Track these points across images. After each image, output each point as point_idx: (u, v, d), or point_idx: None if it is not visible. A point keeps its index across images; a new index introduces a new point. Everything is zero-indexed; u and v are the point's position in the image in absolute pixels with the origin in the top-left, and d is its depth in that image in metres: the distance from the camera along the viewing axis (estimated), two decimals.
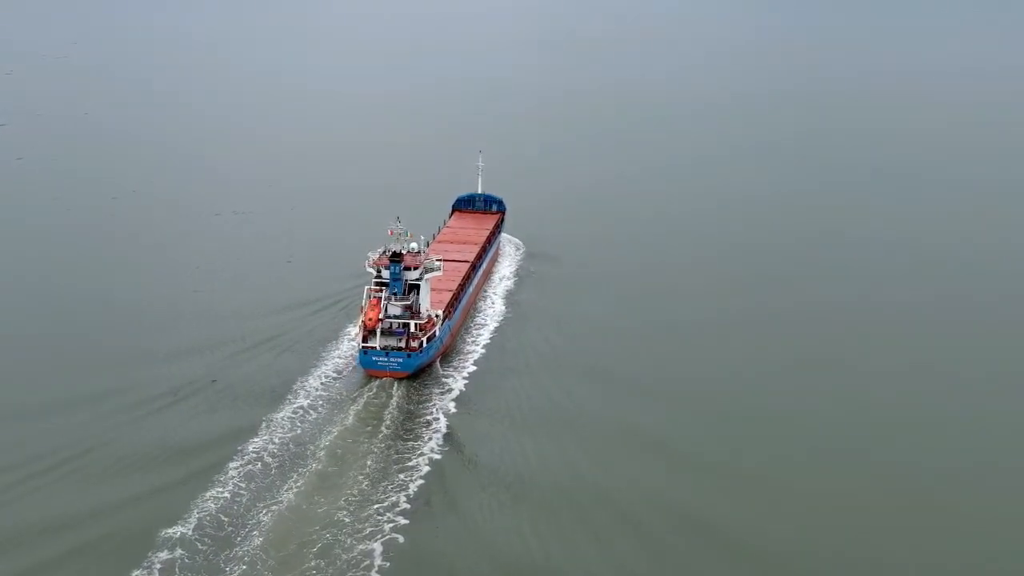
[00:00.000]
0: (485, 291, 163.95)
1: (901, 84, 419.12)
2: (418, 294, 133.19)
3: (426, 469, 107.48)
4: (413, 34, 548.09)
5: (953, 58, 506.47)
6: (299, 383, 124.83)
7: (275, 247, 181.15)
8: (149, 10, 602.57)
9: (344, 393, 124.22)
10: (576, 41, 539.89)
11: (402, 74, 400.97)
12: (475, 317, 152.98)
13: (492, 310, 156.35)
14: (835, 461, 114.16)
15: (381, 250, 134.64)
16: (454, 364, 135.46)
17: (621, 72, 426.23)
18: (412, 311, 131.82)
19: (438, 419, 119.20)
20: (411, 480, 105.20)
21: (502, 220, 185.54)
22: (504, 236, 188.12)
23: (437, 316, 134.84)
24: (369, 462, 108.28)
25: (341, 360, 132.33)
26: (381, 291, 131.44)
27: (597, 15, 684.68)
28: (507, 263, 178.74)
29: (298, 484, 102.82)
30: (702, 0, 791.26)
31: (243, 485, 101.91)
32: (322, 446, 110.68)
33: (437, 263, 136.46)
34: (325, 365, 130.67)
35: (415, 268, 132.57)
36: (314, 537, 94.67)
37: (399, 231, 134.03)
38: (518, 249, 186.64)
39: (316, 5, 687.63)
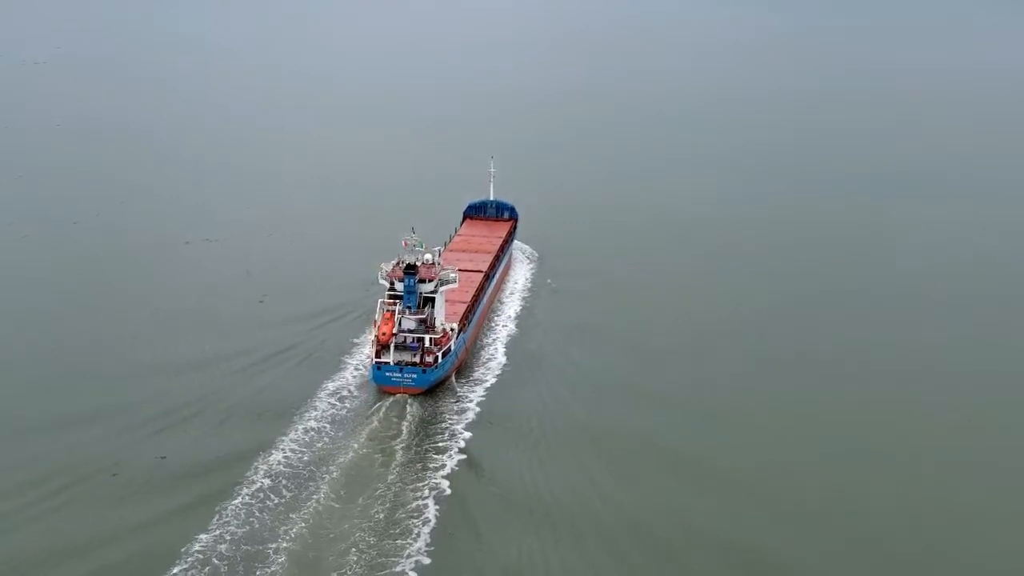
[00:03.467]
0: (499, 301, 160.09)
1: (903, 84, 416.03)
2: (433, 307, 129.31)
3: (445, 490, 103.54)
4: (414, 35, 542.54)
5: (954, 58, 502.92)
6: (309, 400, 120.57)
7: (248, 280, 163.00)
8: (136, 10, 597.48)
9: (357, 410, 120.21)
10: (583, 42, 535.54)
11: (403, 76, 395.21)
12: (489, 329, 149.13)
13: (506, 321, 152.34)
14: (868, 483, 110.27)
15: (395, 262, 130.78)
16: (469, 378, 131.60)
17: (630, 73, 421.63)
18: (427, 325, 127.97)
19: (455, 437, 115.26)
20: (429, 502, 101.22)
21: (514, 227, 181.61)
22: (516, 243, 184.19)
23: (452, 329, 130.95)
24: (385, 483, 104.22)
25: (352, 376, 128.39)
26: (395, 304, 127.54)
27: (604, 16, 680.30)
28: (520, 272, 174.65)
29: (311, 506, 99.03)
30: (708, 2, 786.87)
31: (254, 508, 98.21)
32: (336, 466, 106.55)
33: (453, 275, 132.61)
34: (336, 380, 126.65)
35: (430, 280, 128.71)
36: (332, 560, 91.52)
37: (413, 242, 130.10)
38: (531, 257, 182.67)
39: (312, 6, 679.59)
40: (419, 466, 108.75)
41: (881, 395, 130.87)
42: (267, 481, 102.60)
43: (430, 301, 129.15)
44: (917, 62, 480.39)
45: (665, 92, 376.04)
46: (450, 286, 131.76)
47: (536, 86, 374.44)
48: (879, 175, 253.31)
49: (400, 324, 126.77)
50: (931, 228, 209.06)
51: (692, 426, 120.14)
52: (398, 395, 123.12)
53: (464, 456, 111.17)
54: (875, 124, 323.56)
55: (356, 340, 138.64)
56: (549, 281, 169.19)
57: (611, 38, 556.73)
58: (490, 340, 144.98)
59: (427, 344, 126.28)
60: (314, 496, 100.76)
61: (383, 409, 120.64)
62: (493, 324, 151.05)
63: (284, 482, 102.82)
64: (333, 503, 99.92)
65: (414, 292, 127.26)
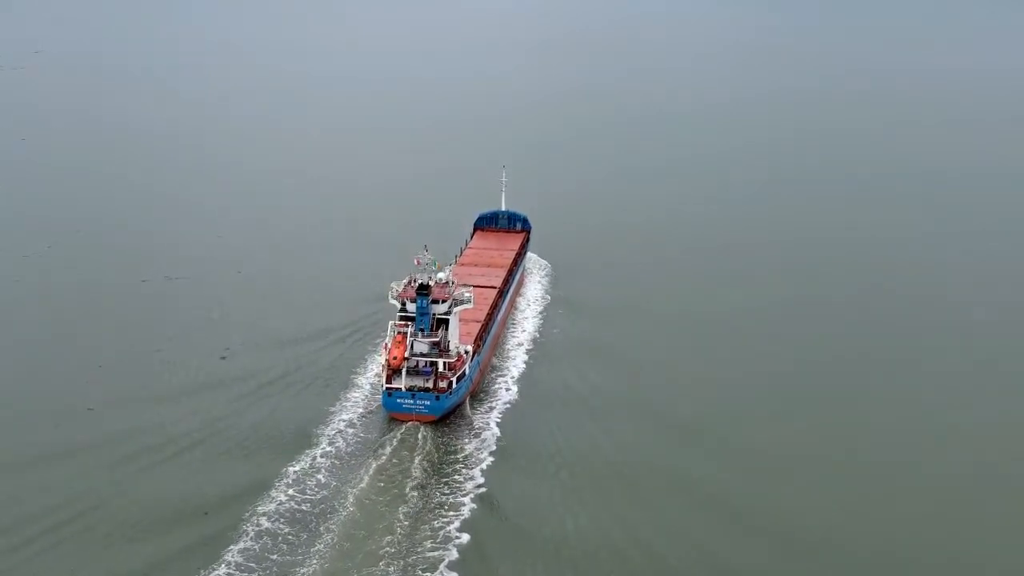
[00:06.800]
0: (513, 319, 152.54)
1: (902, 85, 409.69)
2: (446, 329, 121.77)
3: (462, 533, 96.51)
4: (420, 39, 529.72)
5: (955, 58, 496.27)
6: (316, 428, 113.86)
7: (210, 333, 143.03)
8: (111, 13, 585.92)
9: (366, 440, 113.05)
10: (584, 42, 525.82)
11: (403, 79, 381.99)
12: (503, 349, 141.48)
13: (520, 340, 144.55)
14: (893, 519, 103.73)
15: (406, 281, 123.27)
16: (484, 405, 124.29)
17: (633, 74, 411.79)
18: (440, 348, 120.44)
19: (471, 471, 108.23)
20: (444, 547, 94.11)
21: (527, 239, 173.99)
22: (530, 255, 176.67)
23: (466, 352, 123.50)
24: (397, 523, 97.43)
25: (362, 402, 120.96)
26: (407, 326, 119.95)
27: (604, 16, 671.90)
28: (534, 287, 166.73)
29: (319, 547, 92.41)
30: (709, 2, 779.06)
31: (259, 549, 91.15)
32: (345, 503, 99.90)
33: (468, 295, 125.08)
34: (344, 408, 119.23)
35: (444, 301, 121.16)
36: None
37: (426, 260, 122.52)
38: (544, 271, 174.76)
39: (309, 6, 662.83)
40: (436, 503, 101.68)
41: (909, 421, 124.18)
42: (268, 524, 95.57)
43: (443, 323, 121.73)
44: (917, 62, 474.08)
45: (673, 93, 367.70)
46: (465, 306, 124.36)
47: (540, 89, 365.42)
48: (880, 176, 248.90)
49: (412, 347, 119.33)
50: (929, 228, 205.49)
51: (717, 457, 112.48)
52: (411, 423, 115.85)
53: (483, 491, 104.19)
54: (874, 124, 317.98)
55: (365, 362, 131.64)
56: (561, 295, 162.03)
57: (612, 38, 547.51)
58: (504, 361, 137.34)
59: (441, 368, 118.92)
60: (324, 536, 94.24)
61: (395, 439, 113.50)
62: (507, 344, 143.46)
63: (285, 527, 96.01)
64: (345, 543, 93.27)
65: (427, 313, 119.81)
